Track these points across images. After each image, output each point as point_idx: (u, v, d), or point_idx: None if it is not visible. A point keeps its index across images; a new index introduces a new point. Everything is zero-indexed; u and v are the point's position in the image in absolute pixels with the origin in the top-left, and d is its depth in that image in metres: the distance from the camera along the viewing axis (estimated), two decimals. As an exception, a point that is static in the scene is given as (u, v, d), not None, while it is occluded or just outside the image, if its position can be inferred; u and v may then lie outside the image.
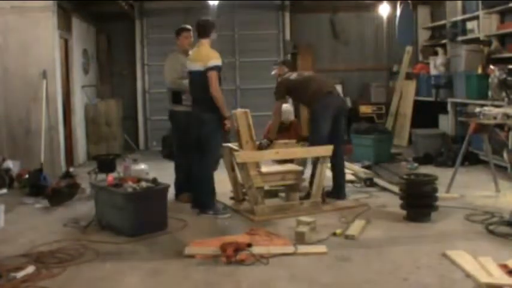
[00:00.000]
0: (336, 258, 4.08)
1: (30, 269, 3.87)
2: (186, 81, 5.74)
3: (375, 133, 8.32)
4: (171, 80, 5.99)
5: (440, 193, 5.32)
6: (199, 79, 5.37)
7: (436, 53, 9.70)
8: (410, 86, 9.98)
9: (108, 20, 10.27)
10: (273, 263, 3.98)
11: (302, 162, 6.01)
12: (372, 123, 9.52)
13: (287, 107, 6.75)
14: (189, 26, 6.18)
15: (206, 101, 5.38)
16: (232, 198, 5.99)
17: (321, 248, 4.25)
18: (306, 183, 5.84)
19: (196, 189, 5.62)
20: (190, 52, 5.75)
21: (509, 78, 6.34)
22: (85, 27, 9.59)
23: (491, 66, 6.92)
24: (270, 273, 3.80)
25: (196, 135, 5.51)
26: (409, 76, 10.20)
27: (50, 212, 5.79)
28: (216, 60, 5.36)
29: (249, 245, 4.17)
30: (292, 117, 7.01)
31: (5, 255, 4.28)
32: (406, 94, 10.06)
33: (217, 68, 5.34)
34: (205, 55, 5.39)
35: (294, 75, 6.11)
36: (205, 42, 5.52)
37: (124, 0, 9.32)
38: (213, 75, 5.30)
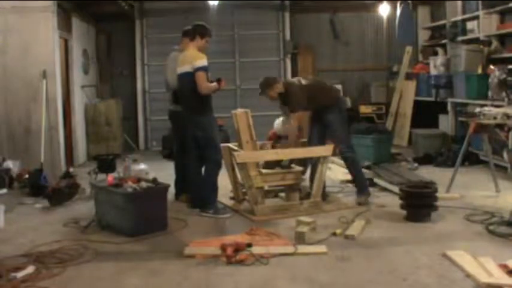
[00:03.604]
0: (336, 258, 4.08)
1: (30, 269, 3.87)
2: None
3: (375, 133, 8.31)
4: (174, 78, 5.90)
5: (440, 193, 5.32)
6: (188, 82, 5.36)
7: (436, 53, 9.70)
8: (410, 86, 9.98)
9: (108, 20, 10.27)
10: (273, 263, 3.98)
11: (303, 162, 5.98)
12: (372, 123, 9.52)
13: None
14: None
15: (196, 104, 5.39)
16: (232, 198, 5.99)
17: (321, 248, 4.25)
18: (306, 183, 5.85)
19: (194, 189, 5.62)
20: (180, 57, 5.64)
21: (509, 78, 6.35)
22: (85, 27, 9.59)
23: (491, 66, 6.92)
24: (270, 273, 3.80)
25: (192, 135, 5.52)
26: (409, 76, 10.20)
27: (50, 212, 5.79)
28: (202, 60, 5.32)
29: (249, 245, 4.17)
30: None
31: (5, 255, 4.28)
32: (406, 94, 10.06)
33: (204, 69, 5.31)
34: (191, 57, 5.37)
35: (303, 81, 5.82)
36: (192, 46, 5.49)
37: (124, 0, 9.32)
38: (200, 75, 5.27)
